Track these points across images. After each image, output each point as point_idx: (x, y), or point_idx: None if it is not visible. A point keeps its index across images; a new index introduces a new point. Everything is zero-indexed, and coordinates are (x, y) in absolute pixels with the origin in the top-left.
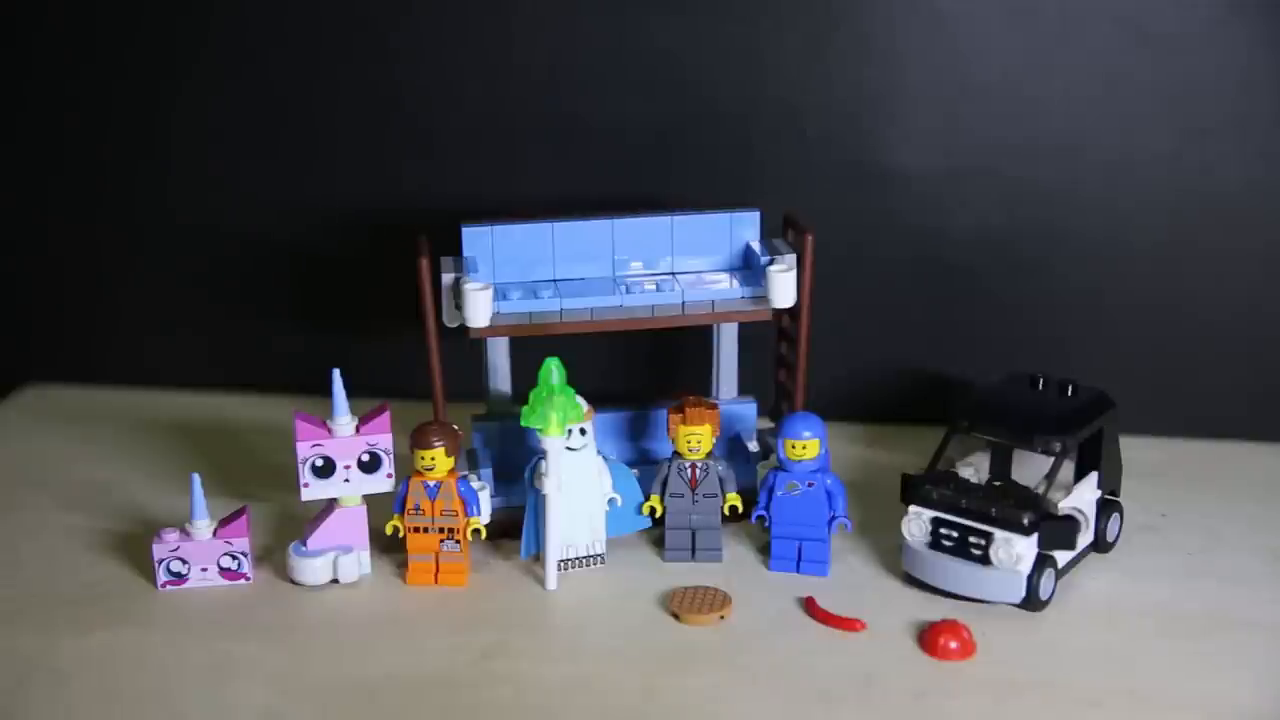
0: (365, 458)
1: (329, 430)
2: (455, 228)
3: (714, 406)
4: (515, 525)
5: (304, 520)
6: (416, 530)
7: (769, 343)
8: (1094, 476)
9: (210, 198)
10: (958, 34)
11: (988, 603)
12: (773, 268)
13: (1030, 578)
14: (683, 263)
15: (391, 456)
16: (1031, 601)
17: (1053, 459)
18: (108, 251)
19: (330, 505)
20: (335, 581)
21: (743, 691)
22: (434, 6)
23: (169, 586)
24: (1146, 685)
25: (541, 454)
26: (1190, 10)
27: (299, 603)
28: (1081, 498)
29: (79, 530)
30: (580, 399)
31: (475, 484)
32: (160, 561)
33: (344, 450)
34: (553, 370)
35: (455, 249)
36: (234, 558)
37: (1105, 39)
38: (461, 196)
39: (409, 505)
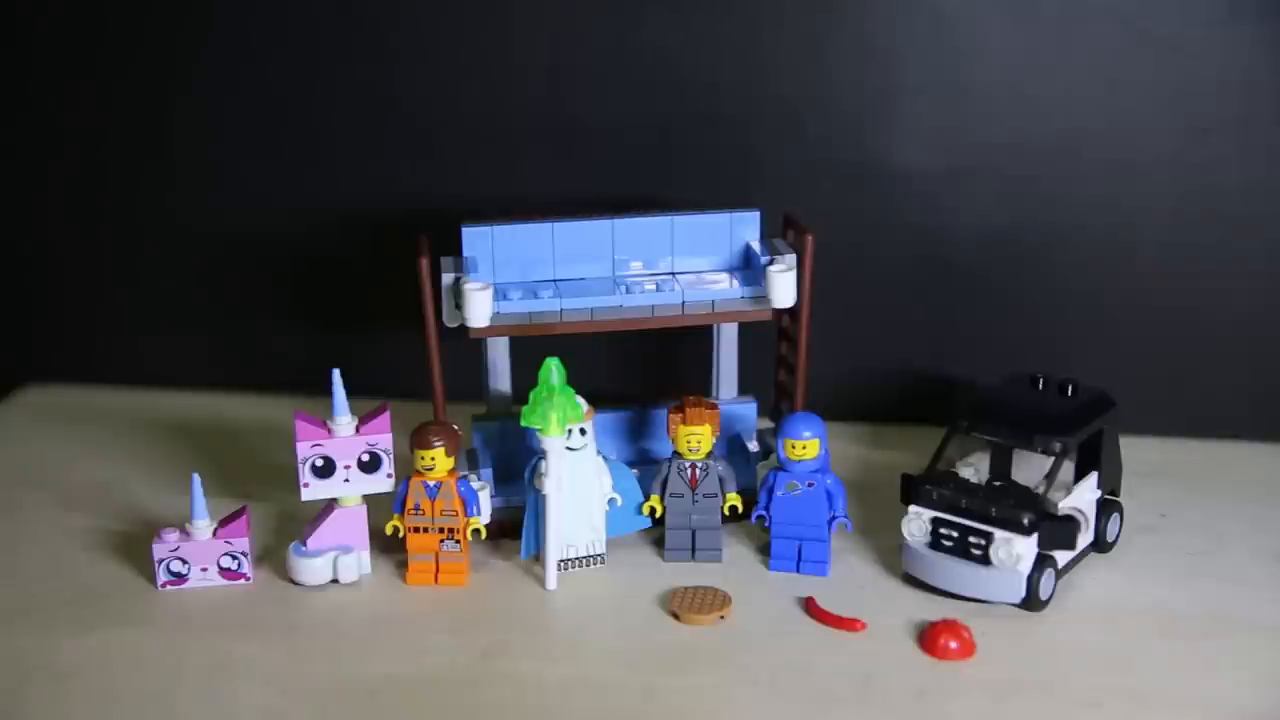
0: (365, 458)
1: (329, 430)
2: (455, 228)
3: (714, 406)
4: (515, 525)
5: (304, 520)
6: (416, 530)
7: (769, 343)
8: (1094, 476)
9: (210, 198)
10: (958, 34)
11: (988, 603)
12: (773, 268)
13: (1030, 578)
14: (683, 263)
15: (391, 456)
16: (1031, 601)
17: (1053, 459)
18: (108, 251)
19: (330, 505)
20: (335, 581)
21: (743, 691)
22: (434, 6)
23: (169, 586)
24: (1146, 685)
25: (541, 454)
26: (1191, 10)
27: (299, 603)
28: (1081, 498)
29: (79, 530)
30: (580, 399)
31: (475, 484)
32: (160, 561)
33: (344, 450)
34: (553, 370)
35: (455, 249)
36: (234, 558)
37: (1106, 39)
38: (461, 196)
39: (409, 505)
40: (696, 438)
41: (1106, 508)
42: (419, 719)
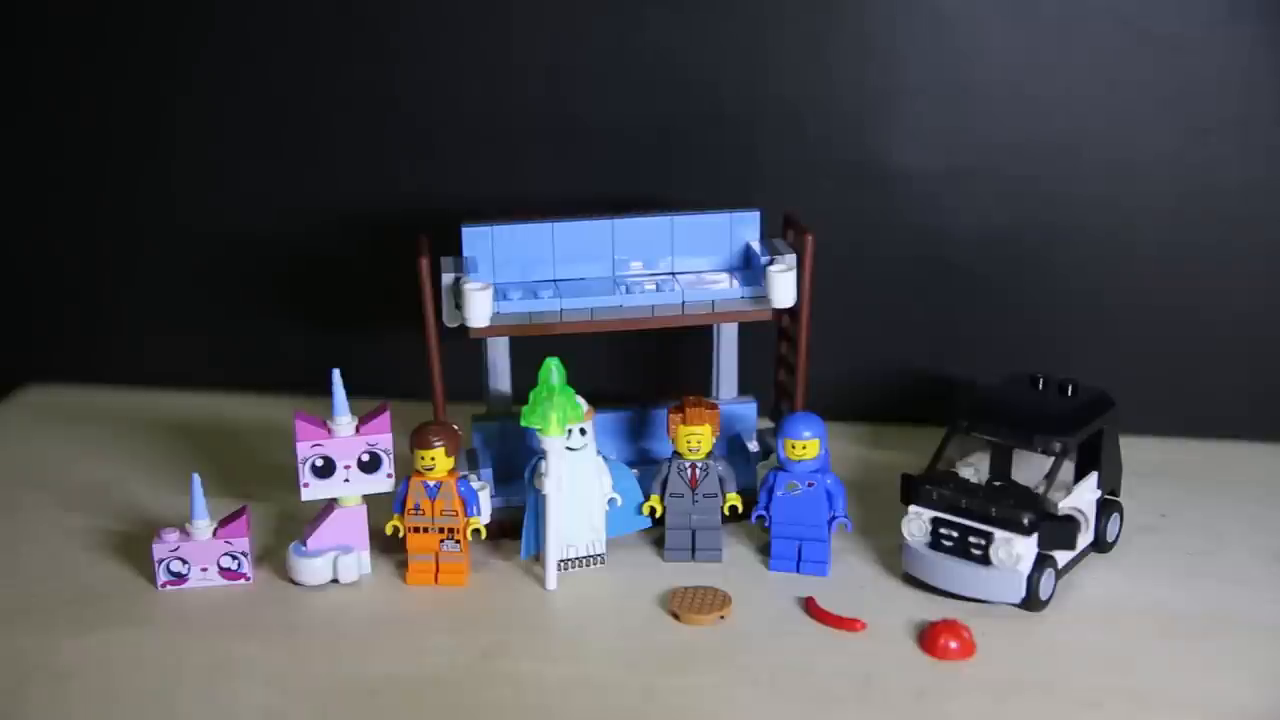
0: (365, 458)
1: (329, 430)
2: (455, 228)
3: (714, 406)
4: (515, 525)
5: (304, 520)
6: (416, 530)
7: (769, 343)
8: (1094, 476)
9: (210, 198)
10: (958, 34)
11: (988, 603)
12: (773, 268)
13: (1030, 578)
14: (683, 263)
15: (391, 456)
16: (1031, 601)
17: (1053, 459)
18: (108, 251)
19: (330, 505)
20: (335, 581)
21: (743, 691)
22: (434, 6)
23: (169, 586)
24: (1146, 685)
25: (541, 454)
26: (1191, 10)
27: (299, 603)
28: (1081, 498)
29: (79, 530)
30: (580, 399)
31: (475, 484)
32: (160, 561)
33: (344, 450)
34: (553, 370)
35: (455, 249)
36: (234, 558)
37: (1106, 39)
38: (461, 196)
39: (409, 505)
40: (696, 438)
41: (1106, 508)
42: (419, 719)
